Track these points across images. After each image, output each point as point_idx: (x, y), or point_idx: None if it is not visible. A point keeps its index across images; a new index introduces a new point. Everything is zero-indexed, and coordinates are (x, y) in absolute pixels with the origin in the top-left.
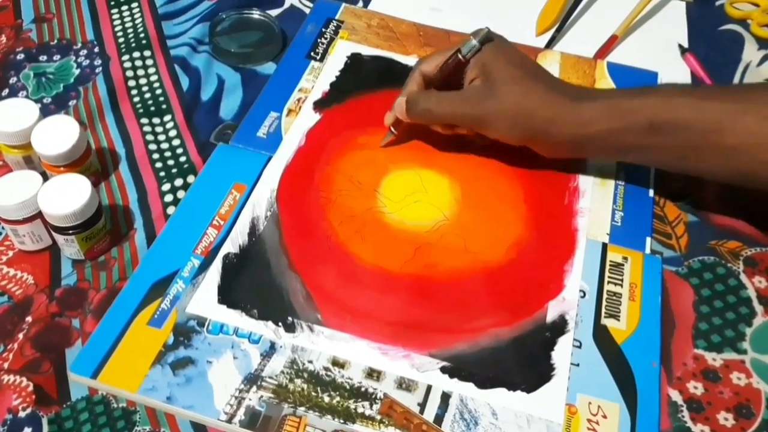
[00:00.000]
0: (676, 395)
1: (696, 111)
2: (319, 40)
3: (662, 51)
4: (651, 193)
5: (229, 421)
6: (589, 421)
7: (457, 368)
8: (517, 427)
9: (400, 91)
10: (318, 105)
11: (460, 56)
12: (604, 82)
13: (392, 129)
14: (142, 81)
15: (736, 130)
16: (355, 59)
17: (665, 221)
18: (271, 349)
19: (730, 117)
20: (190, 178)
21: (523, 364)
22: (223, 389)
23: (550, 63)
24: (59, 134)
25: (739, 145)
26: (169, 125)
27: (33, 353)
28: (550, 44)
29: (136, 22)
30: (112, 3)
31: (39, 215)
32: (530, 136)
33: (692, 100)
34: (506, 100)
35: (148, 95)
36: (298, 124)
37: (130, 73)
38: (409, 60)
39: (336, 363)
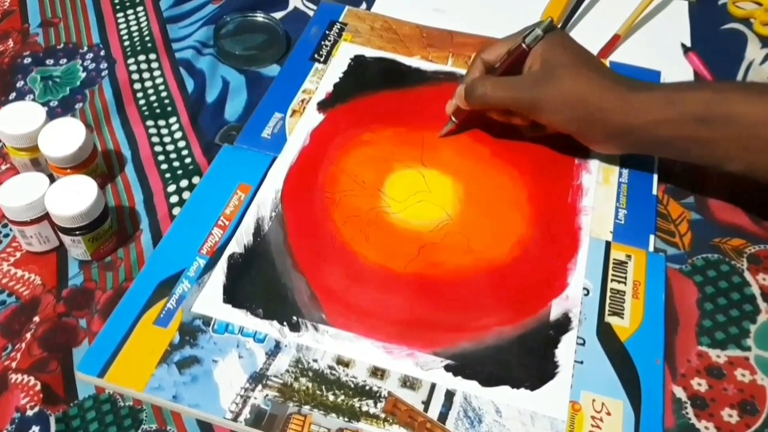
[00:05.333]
0: (680, 392)
1: (746, 104)
2: (322, 43)
3: (665, 50)
4: (654, 191)
5: (235, 419)
6: (593, 418)
7: (461, 366)
8: (521, 425)
9: (404, 91)
10: (322, 106)
11: (524, 45)
12: None
13: (453, 118)
14: (148, 84)
15: None
16: (358, 61)
17: (668, 219)
18: (276, 348)
19: None
20: (196, 179)
21: (526, 362)
22: (229, 388)
23: None
24: (66, 136)
25: None
26: (175, 127)
27: (40, 353)
28: None
29: (142, 25)
30: (118, 7)
31: (46, 216)
32: (583, 122)
33: (743, 94)
34: (561, 85)
35: (153, 98)
36: (302, 124)
37: (135, 76)
38: (413, 61)
39: (340, 362)
